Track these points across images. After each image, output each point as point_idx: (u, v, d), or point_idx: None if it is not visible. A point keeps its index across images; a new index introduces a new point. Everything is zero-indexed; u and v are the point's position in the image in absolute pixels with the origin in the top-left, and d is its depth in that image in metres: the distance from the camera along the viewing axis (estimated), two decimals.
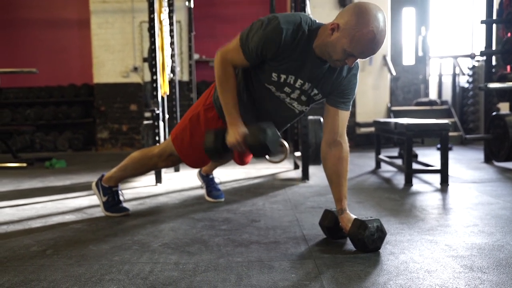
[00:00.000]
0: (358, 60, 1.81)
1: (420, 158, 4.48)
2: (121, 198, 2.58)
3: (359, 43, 1.67)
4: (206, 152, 1.99)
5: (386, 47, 6.99)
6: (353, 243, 1.84)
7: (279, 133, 1.89)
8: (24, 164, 5.07)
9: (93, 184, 2.57)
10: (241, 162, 2.49)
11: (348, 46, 1.69)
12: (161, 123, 3.68)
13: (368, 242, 1.78)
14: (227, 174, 4.10)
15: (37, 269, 1.68)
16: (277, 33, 1.77)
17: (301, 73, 1.87)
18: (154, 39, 3.63)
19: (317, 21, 1.86)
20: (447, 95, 7.49)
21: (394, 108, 7.16)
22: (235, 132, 1.91)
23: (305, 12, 3.74)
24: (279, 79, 1.89)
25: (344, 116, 1.96)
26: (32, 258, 1.81)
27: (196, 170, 3.23)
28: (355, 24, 1.65)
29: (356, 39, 1.66)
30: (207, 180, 2.95)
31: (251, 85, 2.00)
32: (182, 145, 2.25)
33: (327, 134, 1.98)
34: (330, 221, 1.98)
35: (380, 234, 1.81)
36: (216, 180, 2.99)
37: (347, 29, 1.67)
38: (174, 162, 2.37)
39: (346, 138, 1.98)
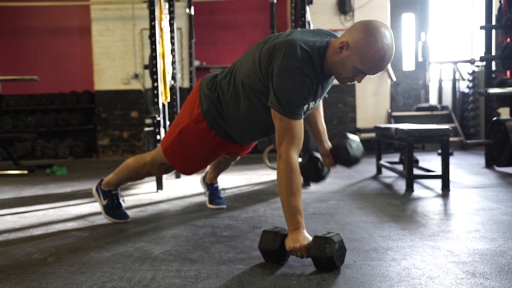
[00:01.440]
0: (375, 75, 1.85)
1: (421, 164, 4.49)
2: (121, 202, 2.59)
3: (370, 61, 1.70)
4: (261, 251, 1.79)
5: None
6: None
7: (344, 244, 1.70)
8: (25, 171, 5.08)
9: (93, 189, 2.59)
10: (236, 155, 2.56)
11: (359, 64, 1.71)
12: (162, 130, 3.69)
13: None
14: (229, 181, 4.10)
15: (39, 276, 1.68)
16: (304, 77, 1.75)
17: (318, 95, 1.92)
18: (155, 46, 3.64)
19: (314, 39, 1.82)
20: (448, 100, 7.50)
21: (394, 114, 7.17)
22: (299, 239, 1.72)
23: (304, 18, 3.76)
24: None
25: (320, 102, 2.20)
26: (34, 265, 1.81)
27: (199, 176, 3.24)
28: (366, 42, 1.68)
29: (367, 57, 1.69)
30: (212, 189, 2.95)
31: (260, 111, 2.00)
32: (174, 156, 2.26)
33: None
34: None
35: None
36: (220, 188, 3.00)
37: (357, 47, 1.70)
38: (166, 170, 2.39)
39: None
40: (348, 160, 2.15)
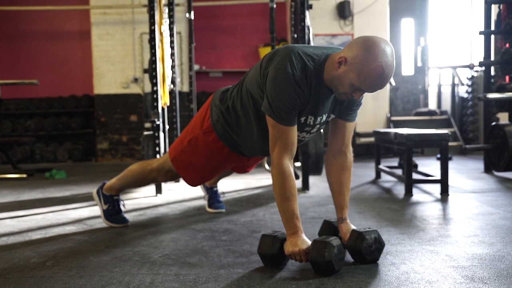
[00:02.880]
0: (373, 92, 1.78)
1: (420, 168, 4.49)
2: (122, 207, 2.58)
3: (368, 78, 1.65)
4: (260, 256, 1.80)
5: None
6: (351, 255, 1.83)
7: (344, 250, 1.71)
8: (24, 175, 5.07)
9: (94, 192, 2.58)
10: (243, 171, 2.51)
11: (356, 81, 1.66)
12: (161, 134, 3.69)
13: (366, 253, 1.77)
14: (228, 185, 4.10)
15: (38, 280, 1.67)
16: (293, 84, 1.72)
17: (319, 111, 1.85)
18: (155, 51, 3.65)
19: (315, 51, 1.80)
20: (447, 105, 7.51)
21: (393, 118, 7.18)
22: (298, 243, 1.72)
23: (304, 23, 3.77)
24: (299, 122, 1.86)
25: (350, 127, 1.96)
26: (33, 269, 1.81)
27: None
28: (364, 58, 1.63)
29: (364, 74, 1.64)
30: (211, 193, 2.95)
31: (264, 120, 1.93)
32: (181, 165, 2.26)
33: (333, 144, 1.97)
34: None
35: (378, 246, 1.79)
36: (219, 192, 2.99)
37: (355, 64, 1.65)
38: (173, 177, 2.39)
39: (351, 148, 1.98)
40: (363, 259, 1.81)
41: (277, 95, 1.73)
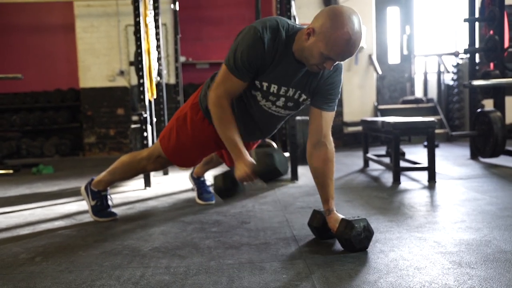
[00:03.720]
0: (343, 61, 1.81)
1: (407, 156, 4.53)
2: (109, 203, 2.58)
3: (335, 45, 1.67)
4: (217, 193, 1.95)
5: (371, 46, 7.04)
6: (341, 243, 1.85)
7: (285, 154, 1.85)
8: (11, 171, 5.02)
9: (82, 188, 2.57)
10: (232, 163, 2.50)
11: (325, 49, 1.68)
12: (149, 127, 3.67)
13: (355, 241, 1.79)
14: None
15: (27, 276, 1.66)
16: (257, 41, 1.76)
17: (283, 81, 1.86)
18: (140, 43, 3.62)
19: (297, 25, 1.85)
20: (433, 93, 7.56)
21: (380, 107, 7.21)
22: (243, 165, 1.84)
23: (290, 13, 3.76)
24: (262, 87, 1.88)
25: (328, 117, 1.95)
26: (21, 265, 1.80)
27: (187, 173, 3.22)
28: (330, 26, 1.65)
29: (332, 41, 1.66)
30: (199, 183, 2.95)
31: (249, 104, 1.99)
32: (168, 145, 2.27)
33: (311, 135, 1.97)
34: (318, 222, 1.99)
35: (367, 234, 1.82)
36: (207, 183, 2.99)
37: (322, 33, 1.67)
38: (162, 164, 2.38)
39: (331, 139, 1.98)
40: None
41: (239, 46, 1.79)
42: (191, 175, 2.99)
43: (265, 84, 1.87)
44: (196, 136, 2.20)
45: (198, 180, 2.95)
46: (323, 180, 1.96)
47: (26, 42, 7.64)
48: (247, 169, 1.83)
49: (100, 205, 2.52)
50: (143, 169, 2.43)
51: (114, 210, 2.62)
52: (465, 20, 4.61)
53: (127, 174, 2.48)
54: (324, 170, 1.96)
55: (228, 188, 1.93)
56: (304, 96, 1.93)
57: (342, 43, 1.66)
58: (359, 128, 6.07)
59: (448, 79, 7.39)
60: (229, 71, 1.83)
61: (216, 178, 1.96)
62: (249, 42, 1.77)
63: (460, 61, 7.07)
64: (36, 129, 7.40)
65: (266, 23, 1.79)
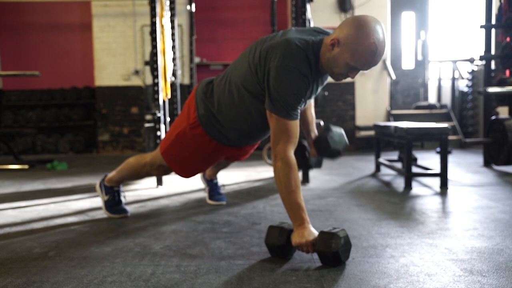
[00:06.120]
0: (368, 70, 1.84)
1: (419, 162, 4.50)
2: (122, 199, 2.61)
3: (362, 56, 1.69)
4: (267, 246, 1.82)
5: (385, 51, 7.02)
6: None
7: (350, 241, 1.73)
8: (26, 166, 5.09)
9: (97, 184, 2.63)
10: (237, 160, 2.55)
11: (351, 60, 1.71)
12: (162, 126, 3.70)
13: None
14: (228, 177, 4.12)
15: (40, 270, 1.69)
16: (299, 78, 1.76)
17: (312, 94, 1.94)
18: (156, 43, 3.65)
19: (310, 36, 1.83)
20: (447, 99, 7.51)
21: (393, 112, 7.18)
22: (304, 235, 1.73)
23: (305, 16, 3.76)
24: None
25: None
26: (35, 259, 1.83)
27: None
28: (356, 37, 1.67)
29: (358, 53, 1.68)
30: (211, 185, 2.96)
31: (256, 112, 2.00)
32: (171, 159, 2.29)
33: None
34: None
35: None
36: (220, 185, 3.01)
37: (348, 44, 1.69)
38: (165, 171, 2.42)
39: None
40: (329, 152, 2.21)
41: (285, 91, 1.75)
42: (204, 177, 3.01)
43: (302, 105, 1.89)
44: (200, 152, 2.22)
45: (211, 182, 2.97)
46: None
47: (44, 41, 7.75)
48: (308, 241, 1.72)
49: (112, 200, 2.57)
50: (148, 174, 2.46)
51: (125, 207, 2.64)
52: (481, 27, 4.58)
53: (134, 176, 2.53)
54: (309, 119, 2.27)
55: (281, 246, 1.78)
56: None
57: (369, 54, 1.68)
58: (371, 132, 6.05)
59: (462, 85, 7.33)
60: (288, 119, 1.78)
61: (272, 230, 1.81)
62: (294, 83, 1.75)
63: (475, 68, 7.01)
64: (52, 126, 7.50)
65: (294, 56, 1.75)
